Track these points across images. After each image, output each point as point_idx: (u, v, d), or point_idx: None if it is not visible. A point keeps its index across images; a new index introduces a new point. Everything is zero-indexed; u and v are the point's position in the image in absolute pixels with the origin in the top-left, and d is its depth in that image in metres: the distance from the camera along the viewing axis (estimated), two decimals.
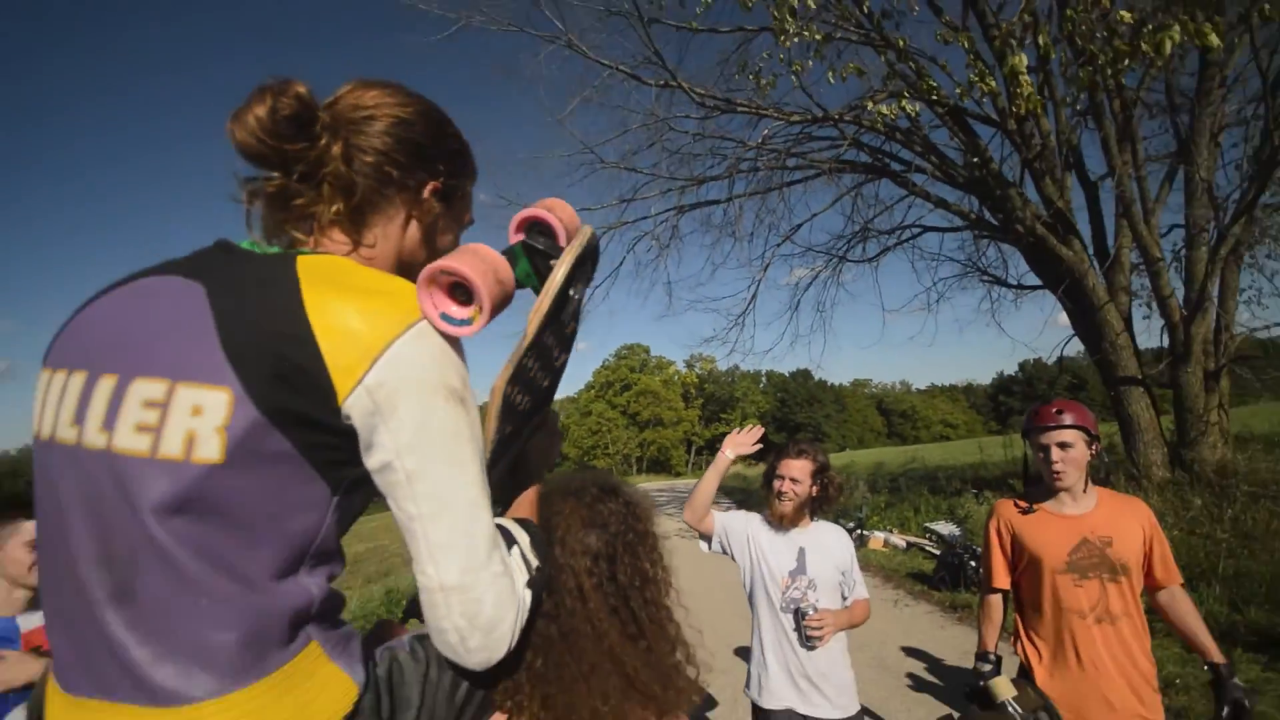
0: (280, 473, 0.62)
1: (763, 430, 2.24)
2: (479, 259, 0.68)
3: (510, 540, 0.74)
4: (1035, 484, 2.04)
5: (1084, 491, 1.94)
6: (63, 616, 0.63)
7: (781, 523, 2.15)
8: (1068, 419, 1.89)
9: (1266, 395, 9.20)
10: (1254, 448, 7.35)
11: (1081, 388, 46.84)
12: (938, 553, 7.59)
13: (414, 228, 0.79)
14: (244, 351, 0.60)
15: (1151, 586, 1.90)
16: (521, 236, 0.82)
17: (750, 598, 2.18)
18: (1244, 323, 7.87)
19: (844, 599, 2.17)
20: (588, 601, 0.83)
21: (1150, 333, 12.73)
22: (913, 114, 6.00)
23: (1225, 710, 1.74)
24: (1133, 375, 7.51)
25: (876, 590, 6.86)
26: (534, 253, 0.80)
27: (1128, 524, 1.88)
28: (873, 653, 4.77)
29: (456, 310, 0.67)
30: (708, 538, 2.29)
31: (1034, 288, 9.39)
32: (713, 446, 63.87)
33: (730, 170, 9.66)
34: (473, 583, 0.65)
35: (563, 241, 0.82)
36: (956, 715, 2.09)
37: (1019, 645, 2.00)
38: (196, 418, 0.59)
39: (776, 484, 2.16)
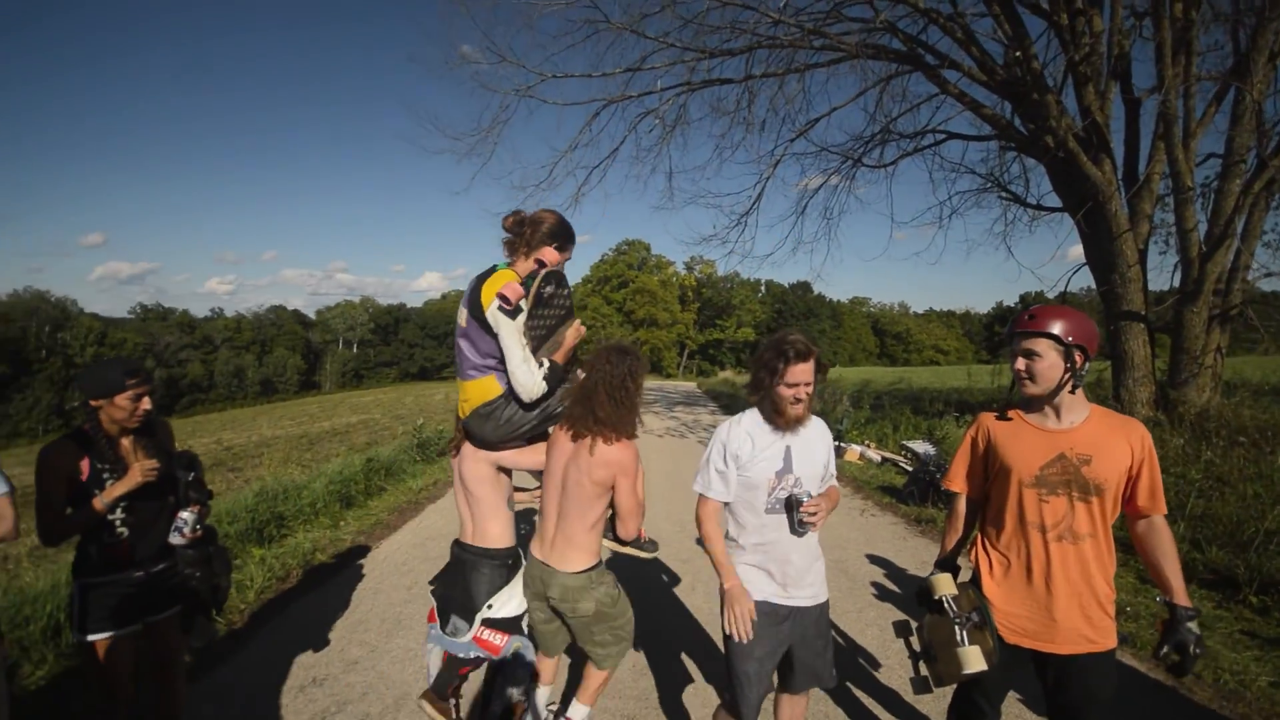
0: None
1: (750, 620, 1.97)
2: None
3: (540, 364, 2.17)
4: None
5: (1069, 407, 1.80)
6: None
7: (784, 425, 2.00)
8: (1040, 325, 1.73)
9: (1270, 346, 9.02)
10: (1242, 393, 7.31)
11: None
12: (910, 469, 7.74)
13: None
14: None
15: (1132, 513, 1.80)
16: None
17: (729, 504, 2.08)
18: (1263, 264, 7.54)
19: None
20: (598, 389, 2.13)
21: (1161, 269, 12.33)
22: None
23: (1164, 649, 1.70)
24: (1136, 310, 7.29)
25: (846, 500, 7.04)
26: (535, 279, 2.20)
27: (1115, 444, 1.75)
28: (836, 558, 4.91)
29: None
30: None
31: (1053, 209, 8.94)
32: (705, 352, 64.60)
33: (749, 46, 8.76)
34: (516, 370, 2.13)
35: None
36: (913, 622, 2.10)
37: (974, 553, 1.97)
38: None
39: (787, 393, 1.95)
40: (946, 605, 1.87)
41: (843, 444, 9.53)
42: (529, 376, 2.10)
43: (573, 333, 2.29)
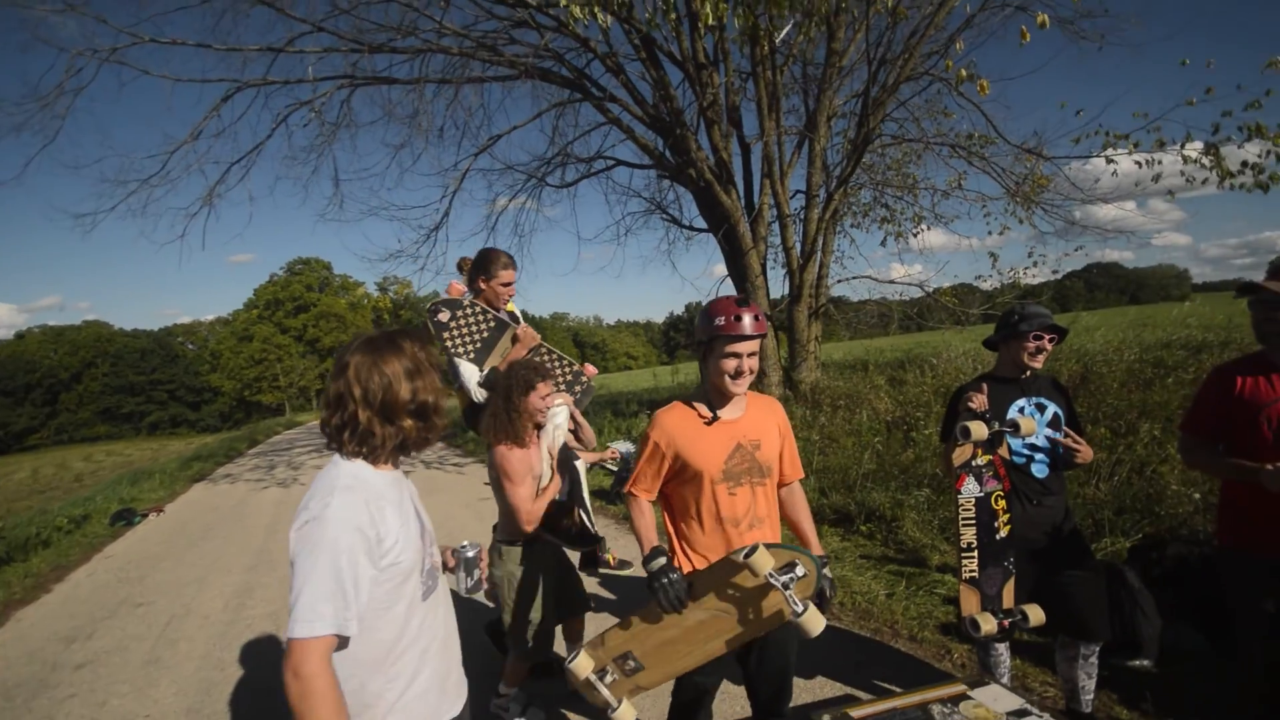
0: None
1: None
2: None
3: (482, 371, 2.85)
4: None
5: (739, 397, 1.89)
6: None
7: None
8: (761, 328, 1.77)
9: (845, 334, 12.42)
10: (833, 371, 9.69)
11: None
12: (615, 469, 8.21)
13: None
14: None
15: (780, 482, 1.99)
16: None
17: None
18: (835, 274, 10.23)
19: None
20: (506, 394, 2.46)
21: (775, 279, 15.73)
22: (604, 25, 5.80)
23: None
24: (764, 312, 9.10)
25: None
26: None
27: (769, 425, 1.92)
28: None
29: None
30: None
31: (702, 230, 10.57)
32: None
33: (419, 49, 8.24)
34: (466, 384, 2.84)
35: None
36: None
37: (677, 561, 1.91)
38: None
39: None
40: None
41: None
42: (468, 386, 2.82)
43: (523, 335, 2.87)
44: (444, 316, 2.74)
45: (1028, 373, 2.38)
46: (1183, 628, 3.00)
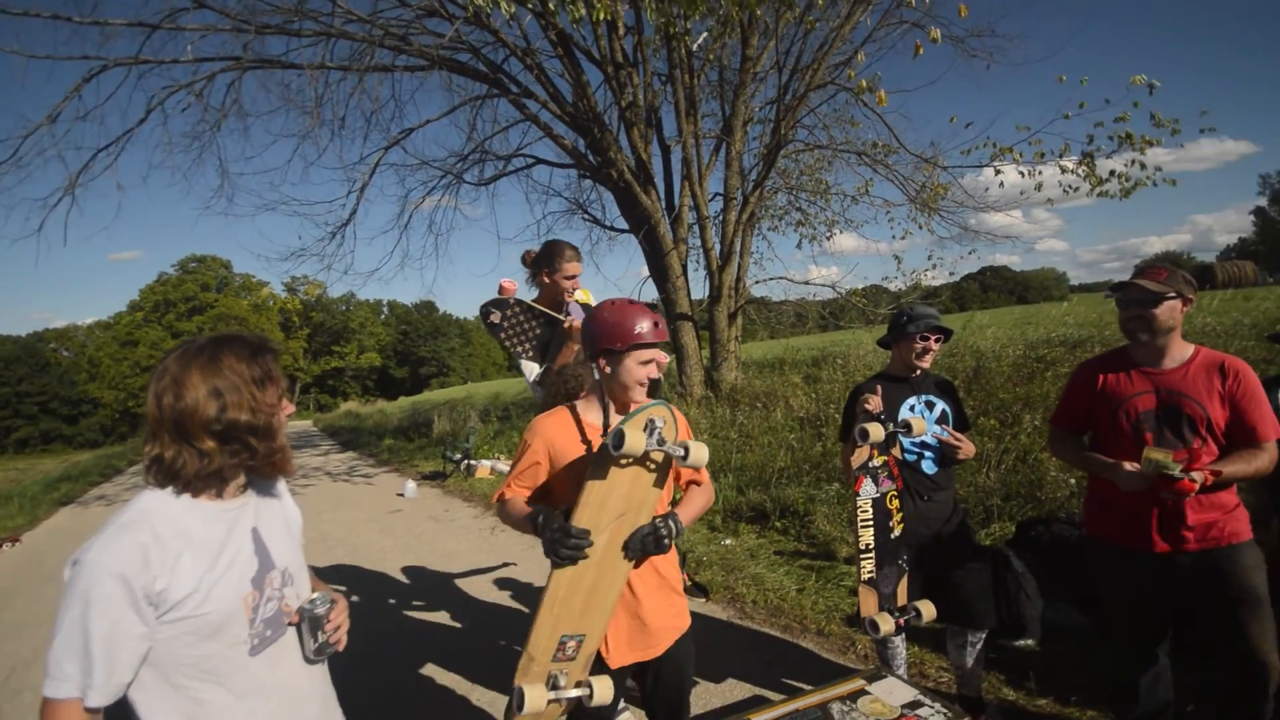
0: None
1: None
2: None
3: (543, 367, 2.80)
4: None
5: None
6: None
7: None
8: (665, 334, 1.74)
9: (764, 334, 12.78)
10: (752, 370, 9.91)
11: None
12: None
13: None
14: None
15: (686, 486, 1.94)
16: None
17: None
18: (753, 275, 10.47)
19: None
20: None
21: (697, 280, 15.95)
22: (508, 13, 5.60)
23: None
24: (686, 312, 9.16)
25: (476, 520, 6.82)
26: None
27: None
28: (466, 583, 4.58)
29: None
30: None
31: (624, 231, 10.53)
32: (323, 383, 56.79)
33: (319, 33, 7.70)
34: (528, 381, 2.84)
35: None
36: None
37: None
38: None
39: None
40: None
41: (472, 462, 9.37)
42: (529, 383, 2.80)
43: (571, 331, 2.64)
44: (495, 318, 2.73)
45: (917, 371, 2.46)
46: (1062, 606, 3.22)
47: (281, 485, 1.36)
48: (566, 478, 1.74)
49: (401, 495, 8.60)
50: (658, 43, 7.08)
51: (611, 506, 1.69)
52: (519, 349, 2.77)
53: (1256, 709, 1.91)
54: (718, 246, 9.28)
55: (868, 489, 2.35)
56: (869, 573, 2.36)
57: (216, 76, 7.76)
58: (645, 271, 9.59)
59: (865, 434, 2.21)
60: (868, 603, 2.35)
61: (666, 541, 1.65)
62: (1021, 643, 3.04)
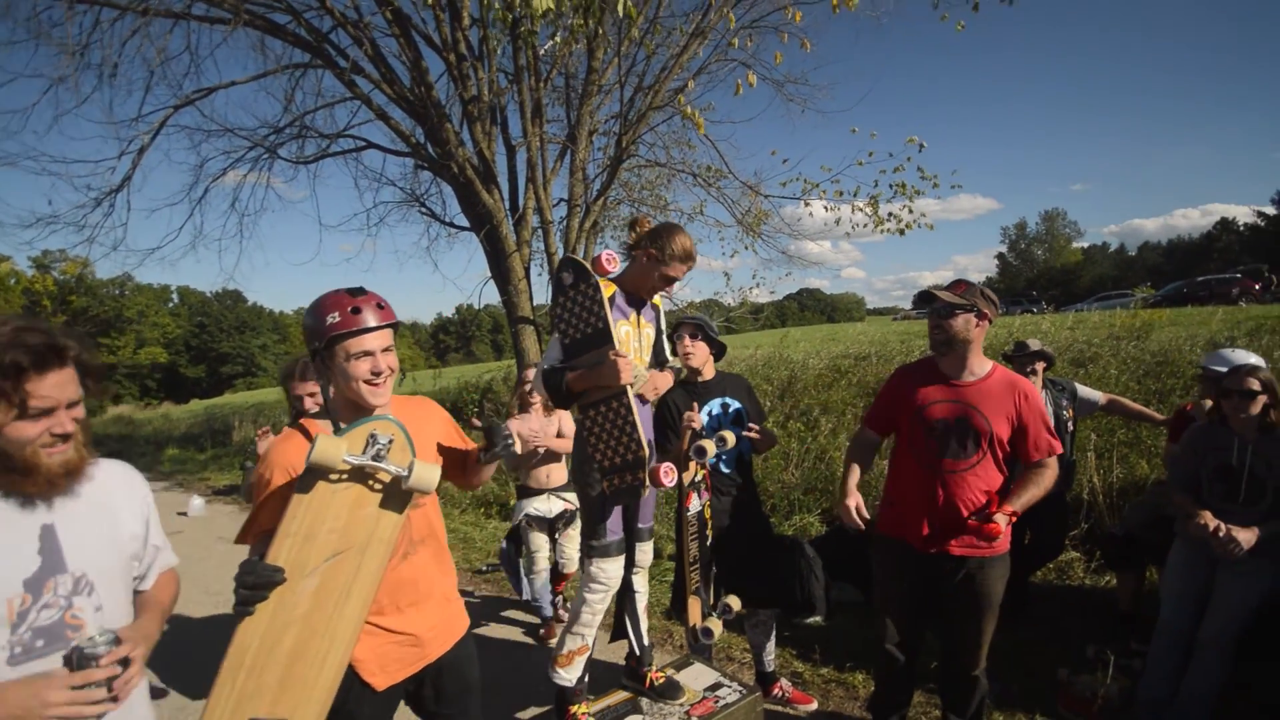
0: None
1: None
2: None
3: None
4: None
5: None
6: None
7: (35, 490, 1.24)
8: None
9: None
10: None
11: (499, 330, 56.46)
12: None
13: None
14: None
15: (461, 485, 1.81)
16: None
17: None
18: None
19: None
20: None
21: (541, 284, 15.84)
22: None
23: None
24: (527, 316, 9.04)
25: None
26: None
27: (424, 434, 1.65)
28: None
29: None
30: None
31: (464, 228, 10.13)
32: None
33: None
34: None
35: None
36: None
37: None
38: None
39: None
40: None
41: None
42: (541, 363, 2.27)
43: (626, 371, 2.03)
44: (568, 278, 2.18)
45: (700, 376, 2.67)
46: (843, 585, 3.70)
47: (125, 484, 1.24)
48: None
49: (184, 514, 7.38)
50: (502, 38, 6.94)
51: (322, 542, 1.33)
52: (561, 325, 2.21)
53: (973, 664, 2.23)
54: (561, 251, 9.30)
55: (695, 504, 2.49)
56: (696, 584, 2.50)
57: None
58: (488, 271, 9.31)
59: (702, 451, 2.26)
60: (695, 612, 2.49)
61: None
62: (811, 620, 3.43)
